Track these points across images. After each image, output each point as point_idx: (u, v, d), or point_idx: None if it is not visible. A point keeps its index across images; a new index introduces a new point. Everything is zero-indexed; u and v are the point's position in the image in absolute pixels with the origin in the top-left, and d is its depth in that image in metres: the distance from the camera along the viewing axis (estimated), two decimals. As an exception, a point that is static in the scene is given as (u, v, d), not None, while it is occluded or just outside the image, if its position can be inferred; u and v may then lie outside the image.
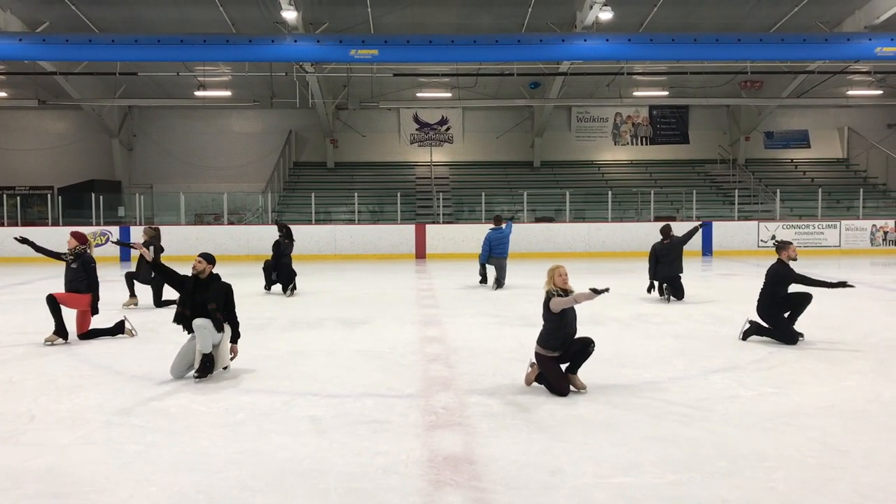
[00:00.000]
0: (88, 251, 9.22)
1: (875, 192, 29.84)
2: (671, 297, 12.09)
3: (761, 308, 8.60)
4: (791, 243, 8.77)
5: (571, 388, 6.27)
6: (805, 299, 8.53)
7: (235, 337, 7.23)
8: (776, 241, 8.96)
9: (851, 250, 23.42)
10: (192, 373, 6.90)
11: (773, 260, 8.85)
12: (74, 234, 9.26)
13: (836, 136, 33.69)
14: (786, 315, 8.51)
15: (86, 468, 4.65)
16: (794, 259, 8.64)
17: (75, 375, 7.12)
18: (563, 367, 6.34)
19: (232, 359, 7.22)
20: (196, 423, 5.58)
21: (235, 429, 5.43)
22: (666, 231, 12.41)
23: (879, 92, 28.98)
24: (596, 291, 6.04)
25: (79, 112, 30.19)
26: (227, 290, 7.21)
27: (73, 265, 8.99)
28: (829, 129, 33.57)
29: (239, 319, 7.30)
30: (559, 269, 6.38)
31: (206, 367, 6.84)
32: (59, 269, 9.49)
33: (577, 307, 6.38)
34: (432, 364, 7.57)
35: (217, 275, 7.31)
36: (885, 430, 5.29)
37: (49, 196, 25.53)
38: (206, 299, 7.03)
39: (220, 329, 7.01)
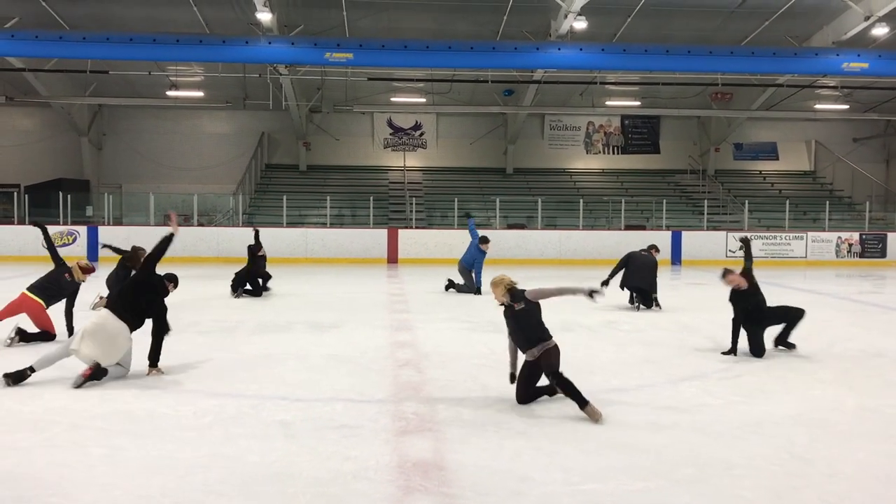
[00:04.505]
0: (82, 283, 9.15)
1: (841, 204, 30.37)
2: (640, 306, 12.19)
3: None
4: (728, 272, 8.49)
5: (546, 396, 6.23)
6: (798, 315, 8.46)
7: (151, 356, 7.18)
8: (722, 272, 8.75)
9: (817, 261, 23.81)
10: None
11: (739, 269, 8.89)
12: (86, 269, 9.06)
13: (803, 149, 34.25)
14: (781, 328, 8.50)
15: (50, 471, 4.58)
16: (741, 287, 8.37)
17: (39, 377, 6.99)
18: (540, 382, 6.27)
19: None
20: (163, 426, 5.52)
21: (203, 432, 5.38)
22: (652, 246, 12.60)
23: (846, 107, 29.54)
24: (591, 294, 6.08)
25: (48, 110, 29.71)
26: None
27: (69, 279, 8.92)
28: (797, 142, 34.12)
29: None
30: (496, 283, 6.28)
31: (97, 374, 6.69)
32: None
33: (546, 311, 6.33)
34: (403, 369, 7.55)
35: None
36: (849, 440, 5.37)
37: (15, 194, 25.10)
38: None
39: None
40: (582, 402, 5.70)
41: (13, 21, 21.43)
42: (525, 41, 21.70)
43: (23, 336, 8.69)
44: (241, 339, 9.27)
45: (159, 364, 7.15)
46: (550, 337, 6.16)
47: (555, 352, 6.06)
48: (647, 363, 7.95)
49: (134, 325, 6.93)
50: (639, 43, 21.10)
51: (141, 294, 7.10)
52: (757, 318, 8.40)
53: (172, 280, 7.47)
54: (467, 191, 29.04)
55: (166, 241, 7.27)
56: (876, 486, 4.55)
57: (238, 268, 13.94)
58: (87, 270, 9.02)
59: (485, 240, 14.53)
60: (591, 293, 6.09)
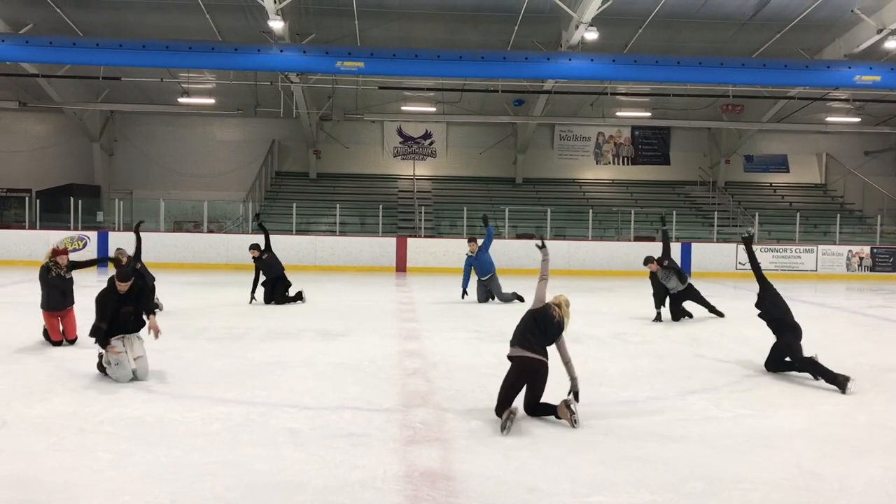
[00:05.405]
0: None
1: (851, 218, 30.21)
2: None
3: None
4: None
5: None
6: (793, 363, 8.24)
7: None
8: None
9: (828, 275, 23.67)
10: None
11: (751, 281, 8.82)
12: (56, 251, 9.07)
13: (814, 162, 34.12)
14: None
15: (58, 476, 4.59)
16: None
17: (49, 381, 7.03)
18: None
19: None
20: (171, 432, 5.53)
21: (211, 439, 5.38)
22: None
23: (857, 119, 29.44)
24: (539, 247, 6.53)
25: (60, 115, 29.92)
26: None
27: (68, 275, 9.04)
28: (807, 155, 34.00)
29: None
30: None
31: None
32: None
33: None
34: (411, 378, 7.55)
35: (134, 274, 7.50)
36: (859, 455, 5.33)
37: (27, 199, 25.26)
38: (138, 307, 7.43)
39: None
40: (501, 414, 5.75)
41: (27, 27, 21.62)
42: (536, 51, 21.73)
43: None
44: (250, 346, 9.29)
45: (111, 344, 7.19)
46: (523, 345, 6.00)
47: (526, 366, 5.95)
48: (656, 375, 7.92)
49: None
50: (650, 54, 21.10)
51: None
52: (781, 343, 8.16)
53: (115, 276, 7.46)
54: (476, 200, 29.03)
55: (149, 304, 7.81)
56: (886, 501, 4.51)
57: (250, 275, 13.92)
58: (56, 253, 8.99)
59: (469, 239, 14.57)
60: (541, 245, 6.60)
